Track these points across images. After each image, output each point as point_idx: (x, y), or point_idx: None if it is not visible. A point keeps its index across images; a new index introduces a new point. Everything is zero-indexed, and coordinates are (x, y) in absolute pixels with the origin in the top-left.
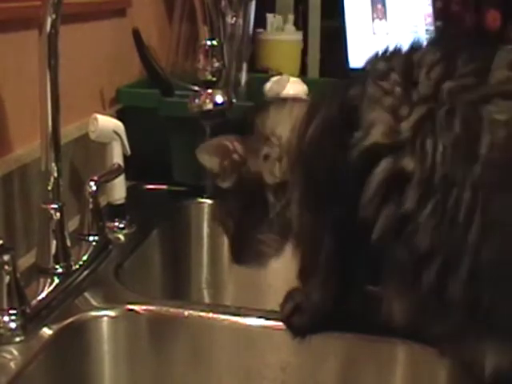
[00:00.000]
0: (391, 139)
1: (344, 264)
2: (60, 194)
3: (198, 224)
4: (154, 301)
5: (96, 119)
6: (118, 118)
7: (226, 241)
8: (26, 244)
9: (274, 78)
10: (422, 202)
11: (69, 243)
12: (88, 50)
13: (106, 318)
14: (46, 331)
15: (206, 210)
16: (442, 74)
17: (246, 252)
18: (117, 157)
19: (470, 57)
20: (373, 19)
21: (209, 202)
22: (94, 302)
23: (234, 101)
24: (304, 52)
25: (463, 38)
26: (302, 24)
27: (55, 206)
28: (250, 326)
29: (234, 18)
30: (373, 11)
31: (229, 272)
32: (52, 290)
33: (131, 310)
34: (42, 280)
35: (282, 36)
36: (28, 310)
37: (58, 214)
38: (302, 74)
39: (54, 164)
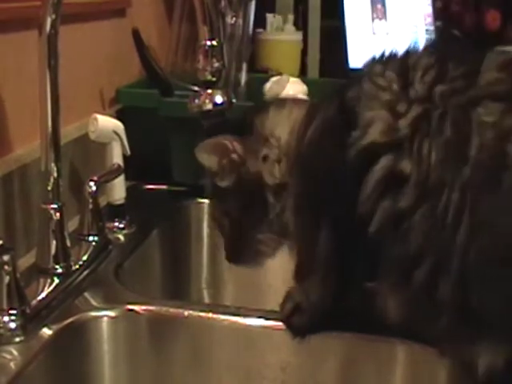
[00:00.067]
0: (389, 137)
1: (342, 261)
2: (60, 194)
3: (198, 224)
4: (153, 301)
5: (96, 119)
6: (118, 118)
7: None
8: (25, 244)
9: (274, 78)
10: (418, 202)
11: (69, 243)
12: (88, 50)
13: (105, 318)
14: (46, 331)
15: (206, 210)
16: (434, 77)
17: (243, 251)
18: (116, 157)
19: (460, 60)
20: (373, 19)
21: (208, 202)
22: (93, 302)
23: (234, 101)
24: (304, 52)
25: (458, 41)
26: (301, 24)
27: (55, 206)
28: (249, 325)
29: (234, 18)
30: (373, 11)
31: (229, 272)
32: (52, 290)
33: (131, 310)
34: (41, 280)
35: (282, 36)
36: (28, 310)
37: (58, 214)
38: (302, 74)
39: (53, 164)
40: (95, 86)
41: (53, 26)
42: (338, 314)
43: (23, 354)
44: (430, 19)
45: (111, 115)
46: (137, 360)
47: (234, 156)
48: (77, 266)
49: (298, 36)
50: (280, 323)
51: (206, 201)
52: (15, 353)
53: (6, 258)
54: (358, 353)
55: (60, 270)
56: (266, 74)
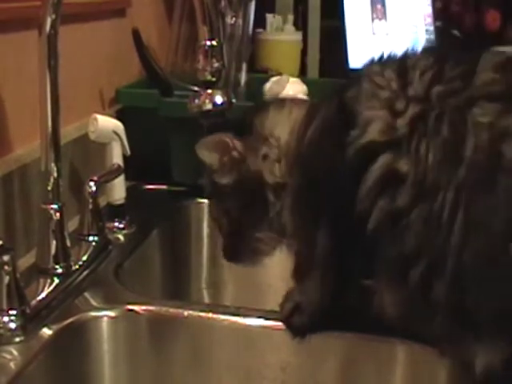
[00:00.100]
0: (388, 136)
1: (341, 259)
2: (60, 194)
3: (198, 224)
4: (153, 301)
5: (96, 119)
6: (118, 118)
7: None
8: (25, 244)
9: (274, 78)
10: (414, 202)
11: (69, 243)
12: (88, 50)
13: (105, 318)
14: (46, 331)
15: (206, 210)
16: (431, 78)
17: (242, 250)
18: (116, 157)
19: (457, 61)
20: (372, 19)
21: (208, 200)
22: (93, 302)
23: (234, 101)
24: (304, 52)
25: (458, 41)
26: (301, 24)
27: (55, 206)
28: (249, 325)
29: (234, 19)
30: (372, 11)
31: (229, 272)
32: (52, 290)
33: (131, 310)
34: (41, 280)
35: (282, 36)
36: (28, 311)
37: (58, 214)
38: (302, 74)
39: (53, 164)
40: (95, 86)
41: (53, 26)
42: (337, 312)
43: (23, 354)
44: (429, 19)
45: (111, 115)
46: (137, 360)
47: (235, 153)
48: (77, 266)
49: (298, 36)
50: (280, 323)
51: (206, 201)
52: (15, 353)
53: (5, 258)
54: (358, 353)
55: (60, 270)
56: (265, 74)
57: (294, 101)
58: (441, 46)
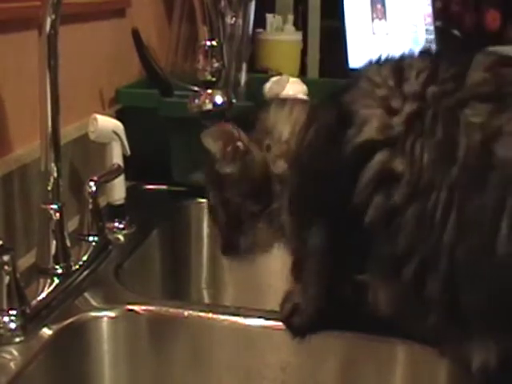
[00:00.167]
0: (384, 135)
1: (336, 258)
2: (60, 194)
3: (198, 224)
4: (153, 301)
5: (95, 119)
6: (118, 118)
7: None
8: (25, 244)
9: (274, 79)
10: (409, 201)
11: (69, 243)
12: (87, 50)
13: (105, 319)
14: (46, 331)
15: (206, 209)
16: (427, 78)
17: (240, 243)
18: (116, 157)
19: (450, 63)
20: (372, 19)
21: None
22: (93, 303)
23: (234, 101)
24: (304, 52)
25: (458, 41)
26: (301, 24)
27: (55, 206)
28: (249, 326)
29: (234, 19)
30: (372, 11)
31: (229, 272)
32: (52, 291)
33: (131, 310)
34: (41, 280)
35: (282, 36)
36: (28, 311)
37: (58, 215)
38: (302, 74)
39: (53, 164)
40: (95, 86)
41: (53, 26)
42: (337, 312)
43: (23, 354)
44: (429, 19)
45: (111, 115)
46: (137, 360)
47: (239, 144)
48: (77, 266)
49: (298, 36)
50: (280, 323)
51: (206, 201)
52: (15, 353)
53: (5, 258)
54: (358, 353)
55: (60, 270)
56: (265, 74)
57: (294, 101)
58: (441, 45)
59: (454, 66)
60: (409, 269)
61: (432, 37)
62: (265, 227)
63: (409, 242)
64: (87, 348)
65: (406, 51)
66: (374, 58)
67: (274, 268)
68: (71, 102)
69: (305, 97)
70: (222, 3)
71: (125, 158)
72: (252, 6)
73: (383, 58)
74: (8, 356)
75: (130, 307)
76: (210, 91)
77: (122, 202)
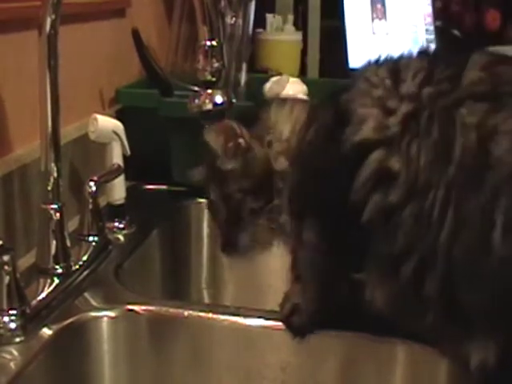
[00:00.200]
0: (381, 134)
1: (334, 256)
2: (60, 194)
3: (198, 224)
4: (153, 301)
5: (96, 119)
6: (118, 118)
7: None
8: (25, 244)
9: (274, 78)
10: (406, 199)
11: (69, 243)
12: (88, 50)
13: (105, 319)
14: (46, 331)
15: (206, 209)
16: (423, 79)
17: (240, 239)
18: (116, 157)
19: (446, 63)
20: (372, 19)
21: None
22: (93, 303)
23: (234, 101)
24: (304, 52)
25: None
26: (301, 24)
27: (55, 206)
28: (249, 326)
29: (234, 19)
30: (372, 11)
31: (229, 272)
32: (52, 291)
33: (131, 310)
34: (41, 280)
35: (282, 36)
36: (28, 311)
37: (58, 215)
38: (302, 74)
39: (53, 164)
40: (95, 86)
41: (53, 26)
42: (336, 312)
43: (23, 354)
44: (429, 19)
45: (111, 115)
46: (137, 360)
47: (241, 140)
48: (77, 266)
49: (298, 36)
50: (280, 323)
51: (206, 201)
52: (15, 353)
53: (5, 258)
54: (358, 353)
55: (60, 270)
56: (265, 74)
57: (294, 100)
58: (440, 45)
59: (451, 67)
60: (407, 267)
61: (432, 37)
62: (265, 224)
63: (407, 240)
64: (87, 348)
65: (405, 51)
66: (374, 58)
67: (274, 268)
68: (71, 101)
69: (305, 97)
70: (222, 3)
71: (125, 157)
72: (252, 6)
73: (382, 58)
74: (8, 356)
75: (130, 307)
76: (209, 91)
77: (122, 201)
